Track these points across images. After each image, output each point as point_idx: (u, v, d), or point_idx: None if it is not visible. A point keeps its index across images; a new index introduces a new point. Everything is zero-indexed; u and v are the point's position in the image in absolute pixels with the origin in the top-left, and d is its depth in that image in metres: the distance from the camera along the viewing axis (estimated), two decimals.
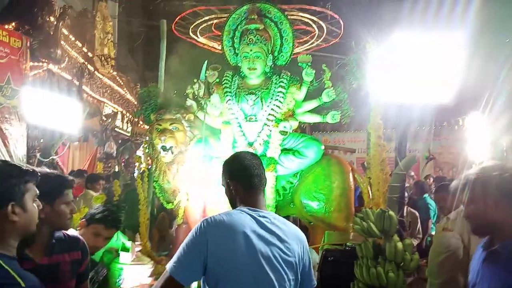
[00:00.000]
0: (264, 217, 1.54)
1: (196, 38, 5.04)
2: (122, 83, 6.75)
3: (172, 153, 4.06)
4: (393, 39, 2.63)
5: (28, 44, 4.38)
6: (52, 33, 4.55)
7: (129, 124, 7.45)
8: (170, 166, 4.12)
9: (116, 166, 7.20)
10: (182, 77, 4.53)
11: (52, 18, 4.59)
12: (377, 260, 2.43)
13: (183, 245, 1.49)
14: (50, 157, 5.24)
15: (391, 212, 2.44)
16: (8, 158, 4.08)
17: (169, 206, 4.20)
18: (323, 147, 3.75)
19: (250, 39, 3.85)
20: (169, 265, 1.46)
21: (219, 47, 4.40)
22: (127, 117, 7.11)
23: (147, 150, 4.39)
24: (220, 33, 4.40)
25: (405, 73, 2.60)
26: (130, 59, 9.11)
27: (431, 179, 7.60)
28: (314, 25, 4.77)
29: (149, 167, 4.35)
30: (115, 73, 6.56)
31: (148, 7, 8.56)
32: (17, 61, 4.28)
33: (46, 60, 4.67)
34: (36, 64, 4.63)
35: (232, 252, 1.44)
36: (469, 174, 1.46)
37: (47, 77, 4.86)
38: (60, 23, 4.56)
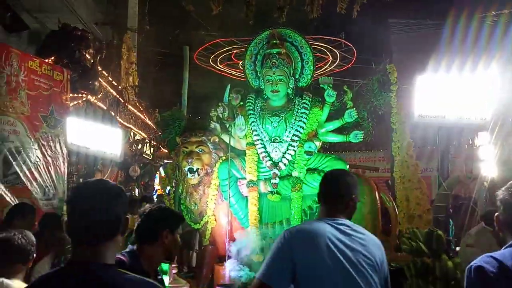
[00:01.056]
0: (343, 224, 1.60)
1: (215, 66, 5.28)
2: (142, 109, 6.98)
3: (199, 175, 4.11)
4: (425, 63, 2.80)
5: (69, 77, 4.66)
6: (90, 66, 4.82)
7: (150, 148, 7.60)
8: (196, 188, 4.18)
9: (136, 189, 7.29)
10: (203, 100, 4.69)
11: (88, 52, 4.90)
12: (427, 279, 2.45)
13: (268, 256, 1.55)
14: None
15: (439, 232, 2.52)
16: (50, 183, 4.32)
17: (196, 227, 4.27)
18: (348, 166, 3.86)
19: (273, 62, 3.98)
20: (258, 274, 1.52)
21: (237, 74, 4.59)
22: (149, 141, 7.27)
23: (172, 172, 4.49)
24: (238, 62, 4.59)
25: (438, 95, 2.75)
26: (146, 86, 9.43)
27: None
28: (328, 53, 5.00)
29: (167, 190, 4.44)
30: (135, 99, 6.80)
31: (166, 37, 8.96)
32: (59, 93, 4.55)
33: (85, 92, 4.94)
34: (75, 95, 4.93)
35: (317, 258, 1.49)
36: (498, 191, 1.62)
37: (86, 107, 5.12)
38: (98, 57, 4.84)
